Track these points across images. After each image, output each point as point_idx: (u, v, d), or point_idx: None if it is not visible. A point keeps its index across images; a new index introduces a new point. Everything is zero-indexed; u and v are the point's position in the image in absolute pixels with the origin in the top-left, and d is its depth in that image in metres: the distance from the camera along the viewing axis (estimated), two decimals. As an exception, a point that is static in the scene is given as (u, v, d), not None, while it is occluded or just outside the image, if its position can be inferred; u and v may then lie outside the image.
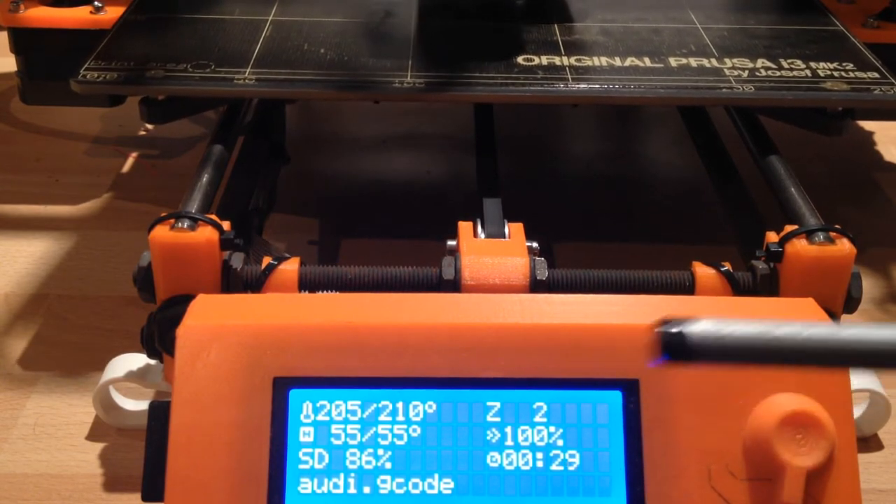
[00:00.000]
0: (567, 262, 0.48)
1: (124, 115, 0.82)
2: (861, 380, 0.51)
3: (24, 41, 0.67)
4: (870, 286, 0.65)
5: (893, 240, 0.71)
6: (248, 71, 0.54)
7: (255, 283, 0.46)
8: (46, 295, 0.63)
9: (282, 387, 0.39)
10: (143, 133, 0.84)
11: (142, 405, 0.51)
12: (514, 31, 0.61)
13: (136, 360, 0.51)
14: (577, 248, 0.67)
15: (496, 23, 0.62)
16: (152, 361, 0.50)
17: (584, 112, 0.88)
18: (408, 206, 0.73)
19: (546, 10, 0.64)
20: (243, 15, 0.62)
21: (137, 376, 0.51)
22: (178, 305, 0.45)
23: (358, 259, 0.52)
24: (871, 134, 0.85)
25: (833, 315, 0.45)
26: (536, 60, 0.56)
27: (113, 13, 0.64)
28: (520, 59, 0.56)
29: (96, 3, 0.66)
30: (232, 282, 0.46)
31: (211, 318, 0.41)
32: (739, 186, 0.59)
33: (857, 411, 0.52)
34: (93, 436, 0.52)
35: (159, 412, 0.41)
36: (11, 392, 0.54)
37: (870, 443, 0.52)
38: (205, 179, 0.50)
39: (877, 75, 0.56)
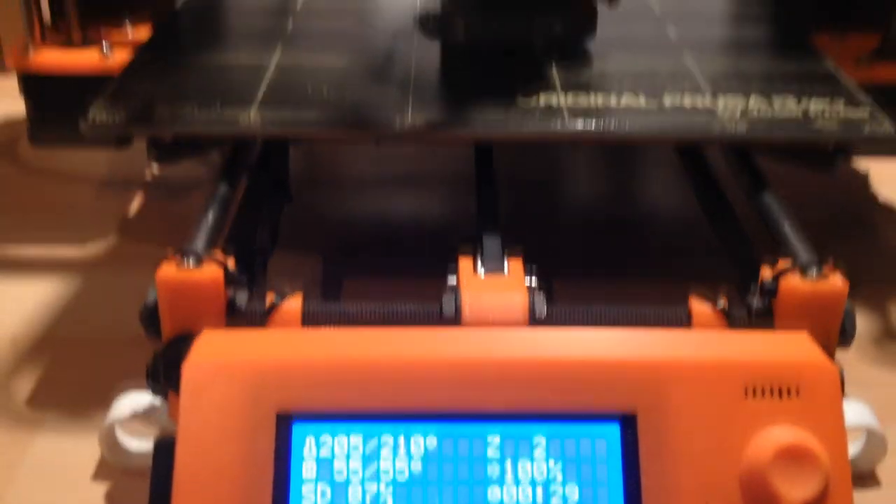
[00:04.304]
0: (566, 300, 0.49)
1: (131, 158, 0.83)
2: (858, 417, 0.52)
3: (34, 84, 0.68)
4: (866, 323, 0.66)
5: (889, 277, 0.72)
6: (253, 112, 0.56)
7: (259, 320, 0.47)
8: (53, 336, 0.64)
9: (285, 422, 0.40)
10: (149, 175, 0.85)
11: (146, 445, 0.52)
12: (512, 72, 0.62)
13: (141, 399, 0.52)
14: (576, 286, 0.67)
15: (495, 64, 0.63)
16: (157, 400, 0.51)
17: (583, 152, 0.89)
18: (409, 244, 0.74)
19: (550, 52, 0.65)
20: (249, 58, 0.64)
21: (142, 415, 0.51)
22: (183, 342, 0.46)
23: (360, 296, 0.53)
24: (864, 174, 0.86)
25: (828, 350, 0.46)
26: (534, 100, 0.58)
27: (121, 56, 0.66)
28: (518, 99, 0.58)
29: (105, 47, 0.67)
30: (236, 318, 0.47)
31: (215, 354, 0.42)
32: (735, 223, 0.60)
33: (854, 448, 0.53)
34: (98, 476, 0.52)
35: (164, 448, 0.41)
36: (18, 432, 0.55)
37: (867, 480, 0.53)
38: (210, 217, 0.51)
39: (868, 113, 0.57)
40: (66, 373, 0.60)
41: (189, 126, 0.55)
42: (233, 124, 0.55)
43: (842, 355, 0.46)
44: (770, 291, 0.47)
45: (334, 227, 0.77)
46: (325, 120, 0.55)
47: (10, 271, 0.70)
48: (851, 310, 0.47)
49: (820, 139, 0.56)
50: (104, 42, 0.68)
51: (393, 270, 0.70)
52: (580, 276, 0.69)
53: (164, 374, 0.47)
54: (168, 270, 0.46)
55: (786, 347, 0.43)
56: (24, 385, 0.59)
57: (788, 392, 0.41)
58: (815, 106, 0.58)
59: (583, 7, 0.64)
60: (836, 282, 0.46)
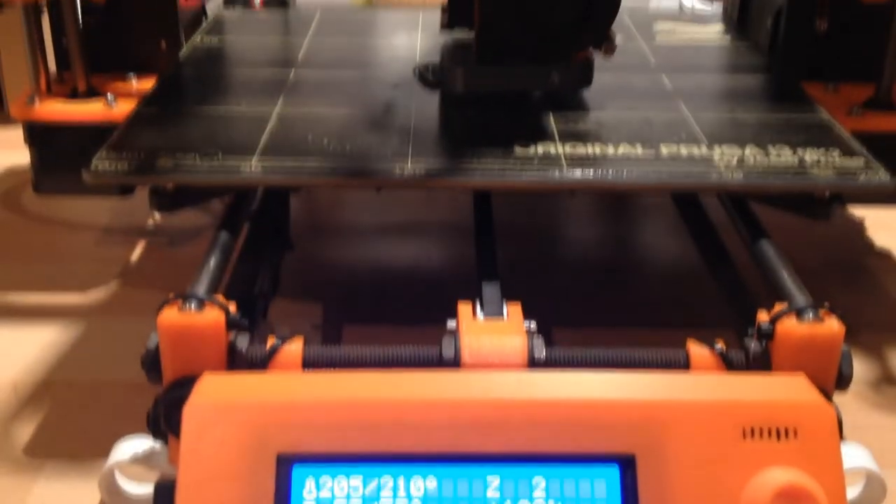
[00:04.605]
0: (564, 345, 0.49)
1: (133, 206, 0.84)
2: (857, 460, 0.52)
3: (39, 134, 0.69)
4: (865, 369, 0.66)
5: (886, 323, 0.72)
6: (254, 160, 0.56)
7: (259, 363, 0.47)
8: (53, 381, 0.64)
9: (285, 464, 0.40)
10: (151, 223, 0.86)
11: (147, 489, 0.52)
12: (510, 121, 0.63)
13: (141, 443, 0.52)
14: (575, 332, 0.68)
15: (494, 113, 0.64)
16: (157, 444, 0.51)
17: (581, 200, 0.90)
18: (409, 291, 0.74)
19: (547, 102, 0.66)
20: (250, 108, 0.65)
21: (143, 459, 0.51)
22: (184, 386, 0.46)
23: (360, 342, 0.53)
24: (861, 220, 0.87)
25: (826, 392, 0.46)
26: (532, 149, 0.58)
27: (125, 107, 0.67)
28: (516, 148, 0.58)
29: (109, 97, 0.68)
30: (237, 362, 0.47)
31: (216, 396, 0.42)
32: (731, 269, 0.60)
33: (854, 492, 0.52)
34: (98, 521, 0.52)
35: (164, 493, 0.41)
36: (18, 477, 0.55)
37: (867, 523, 0.53)
38: (212, 263, 0.52)
39: (862, 162, 0.58)
40: (66, 417, 0.60)
41: (191, 175, 0.56)
42: (234, 173, 0.55)
43: (841, 400, 0.46)
44: (767, 335, 0.47)
45: (334, 274, 0.78)
46: (325, 168, 0.56)
47: (12, 317, 0.71)
48: (848, 353, 0.47)
49: (815, 188, 0.57)
50: (109, 93, 0.69)
51: (392, 317, 0.70)
52: (579, 322, 0.69)
53: (164, 418, 0.47)
54: (170, 314, 0.46)
55: (783, 389, 0.43)
56: (25, 429, 0.59)
57: (786, 433, 0.41)
58: (811, 155, 0.58)
59: (580, 58, 0.65)
60: (832, 325, 0.47)
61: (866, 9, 0.71)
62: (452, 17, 0.65)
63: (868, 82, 0.70)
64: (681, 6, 1.26)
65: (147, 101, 0.66)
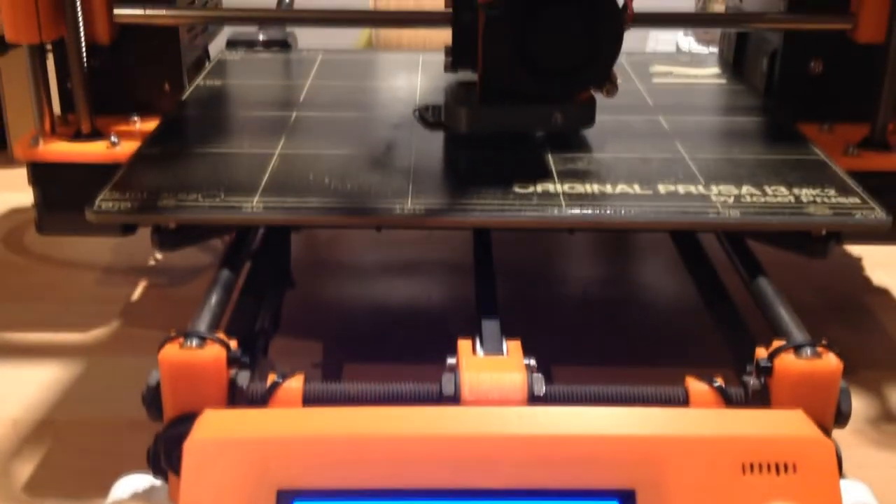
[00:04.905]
0: (564, 381, 0.49)
1: (134, 246, 0.85)
2: (857, 497, 0.51)
3: (42, 174, 0.69)
4: (864, 407, 0.66)
5: (885, 361, 0.72)
6: (255, 199, 0.57)
7: (260, 400, 0.47)
8: (53, 420, 0.64)
9: (285, 499, 0.40)
10: (152, 262, 0.86)
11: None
12: (510, 160, 0.64)
13: (141, 481, 0.52)
14: (574, 369, 0.68)
15: (494, 152, 0.65)
16: (157, 482, 0.51)
17: (580, 239, 0.90)
18: (409, 329, 0.75)
19: (547, 140, 0.67)
20: (252, 148, 0.66)
21: (143, 496, 0.51)
22: (184, 423, 0.46)
23: (360, 380, 0.54)
24: (858, 259, 0.87)
25: (824, 428, 0.46)
26: (531, 187, 0.59)
27: (128, 147, 0.67)
28: (516, 187, 0.59)
29: (113, 138, 0.69)
30: (238, 398, 0.47)
31: (217, 432, 0.42)
32: (730, 306, 0.61)
33: (855, 527, 0.52)
34: (98, 561, 0.52)
35: (164, 529, 0.41)
36: (17, 514, 0.55)
37: (868, 559, 0.52)
38: (213, 300, 0.52)
39: (858, 200, 0.58)
40: (66, 456, 0.60)
41: (193, 214, 0.56)
42: (236, 212, 0.56)
43: (841, 437, 0.46)
44: (765, 371, 0.47)
45: (335, 312, 0.78)
46: (326, 207, 0.57)
47: (13, 355, 0.71)
48: (847, 389, 0.48)
49: (812, 226, 0.57)
50: (112, 134, 0.70)
51: (392, 355, 0.70)
52: (578, 360, 0.70)
53: (165, 454, 0.47)
54: (171, 351, 0.47)
55: (782, 424, 0.43)
56: (26, 467, 0.59)
57: (785, 468, 0.41)
58: (807, 193, 0.59)
59: (582, 98, 0.66)
60: (830, 361, 0.47)
61: (860, 49, 0.72)
62: (456, 59, 0.66)
63: (863, 122, 0.71)
64: (677, 48, 1.28)
65: (150, 141, 0.67)
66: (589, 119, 0.67)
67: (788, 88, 0.76)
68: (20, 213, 0.96)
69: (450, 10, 0.64)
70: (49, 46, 0.71)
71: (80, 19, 0.68)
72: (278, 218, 0.57)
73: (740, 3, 0.89)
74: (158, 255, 0.87)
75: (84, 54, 0.69)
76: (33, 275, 0.84)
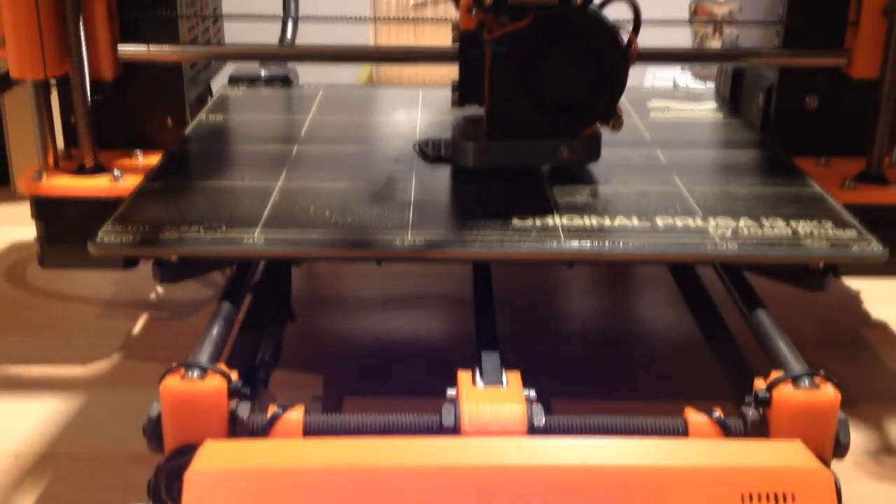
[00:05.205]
0: (564, 413, 0.50)
1: (135, 279, 0.85)
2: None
3: (46, 208, 0.70)
4: (864, 439, 0.66)
5: (884, 394, 0.72)
6: (257, 232, 0.57)
7: (260, 431, 0.47)
8: (55, 453, 0.64)
9: (286, 530, 0.40)
10: (153, 296, 0.86)
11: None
12: (509, 194, 0.64)
13: (141, 513, 0.52)
14: (574, 402, 0.68)
15: (493, 186, 0.66)
16: (157, 513, 0.51)
17: (579, 273, 0.91)
18: (409, 363, 0.75)
19: (550, 175, 0.68)
20: (253, 182, 0.66)
21: (142, 528, 0.51)
22: (185, 454, 0.46)
23: (360, 412, 0.54)
24: (857, 293, 0.88)
25: (823, 459, 0.47)
26: (531, 221, 0.60)
27: (131, 182, 0.68)
28: (515, 220, 0.60)
29: (115, 172, 0.70)
30: (238, 430, 0.47)
31: (218, 463, 0.42)
32: (728, 339, 0.61)
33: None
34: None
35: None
36: (16, 547, 0.55)
37: None
38: (214, 332, 0.53)
39: (855, 233, 0.59)
40: (67, 489, 0.60)
41: (195, 247, 0.57)
42: (237, 245, 0.56)
43: (840, 469, 0.46)
44: (764, 402, 0.48)
45: (335, 345, 0.78)
46: (327, 240, 0.57)
47: (14, 388, 0.71)
48: (845, 420, 0.48)
49: (809, 259, 0.58)
50: (115, 168, 0.70)
51: (392, 388, 0.71)
52: (578, 392, 0.70)
53: (165, 486, 0.47)
54: (173, 382, 0.47)
55: (781, 455, 0.43)
56: (27, 500, 0.59)
57: (784, 498, 0.41)
58: (804, 226, 0.60)
59: (588, 133, 0.66)
60: (828, 392, 0.47)
61: (855, 85, 0.73)
62: (463, 94, 0.66)
63: (859, 156, 0.72)
64: (675, 85, 1.29)
65: (152, 175, 0.68)
66: (594, 154, 0.68)
67: (785, 123, 0.77)
68: (22, 247, 0.97)
69: (457, 46, 0.65)
70: (53, 82, 0.72)
71: (85, 56, 0.69)
72: (279, 250, 0.57)
73: (736, 39, 0.90)
74: (160, 289, 0.87)
75: (88, 90, 0.70)
76: (34, 308, 0.84)
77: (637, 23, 0.65)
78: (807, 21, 0.74)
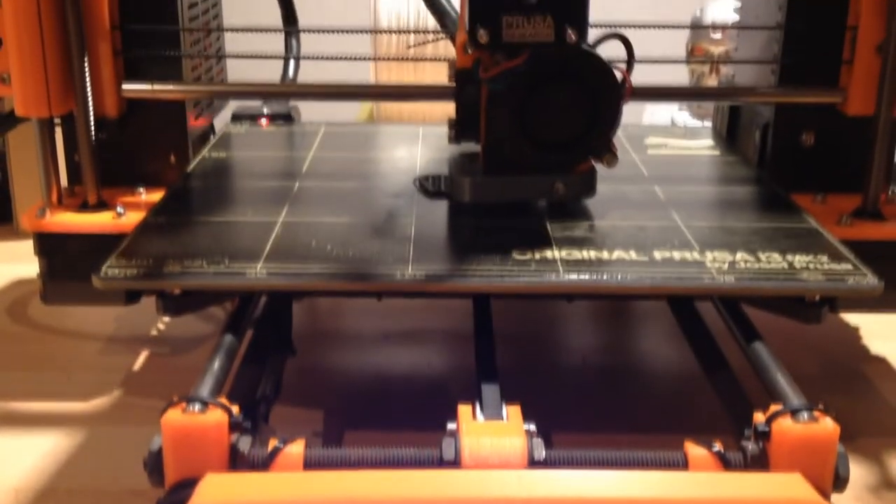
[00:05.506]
0: (564, 447, 0.50)
1: (136, 315, 0.86)
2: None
3: (49, 245, 0.70)
4: (863, 474, 0.66)
5: (884, 429, 0.72)
6: (259, 265, 0.58)
7: (261, 465, 0.47)
8: (55, 489, 0.64)
9: (286, 563, 0.40)
10: (154, 332, 0.87)
11: None
12: (509, 229, 0.65)
13: (141, 548, 0.52)
14: (574, 436, 0.68)
15: (493, 220, 0.66)
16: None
17: (579, 308, 0.91)
18: (409, 397, 0.75)
19: (549, 210, 0.68)
20: (256, 217, 0.67)
21: (142, 563, 0.51)
22: (185, 488, 0.46)
23: (361, 446, 0.54)
24: (856, 329, 0.88)
25: (823, 492, 0.47)
26: (530, 254, 0.60)
27: (134, 218, 0.68)
28: (514, 254, 0.60)
29: (118, 208, 0.70)
30: (239, 463, 0.47)
31: (219, 496, 0.43)
32: (727, 373, 0.61)
33: None
34: None
35: None
36: (16, 584, 0.55)
37: None
38: (216, 366, 0.53)
39: (850, 266, 0.59)
40: (66, 524, 0.60)
41: (198, 280, 0.57)
42: (240, 277, 0.57)
43: (837, 500, 0.46)
44: (763, 435, 0.48)
45: (336, 380, 0.79)
46: (328, 273, 0.58)
47: (15, 424, 0.71)
48: (844, 453, 0.48)
49: (806, 291, 0.58)
50: (118, 204, 0.71)
51: (393, 422, 0.71)
52: (578, 426, 0.70)
53: (166, 521, 0.47)
54: (174, 415, 0.47)
55: (780, 488, 0.43)
56: (25, 536, 0.59)
57: (784, 530, 0.41)
58: (800, 259, 0.60)
59: (583, 168, 0.67)
60: (827, 425, 0.47)
61: (851, 122, 0.74)
62: (460, 131, 0.67)
63: (855, 192, 0.72)
64: (672, 123, 1.30)
65: (156, 211, 0.68)
66: (589, 189, 0.68)
67: (781, 160, 0.78)
68: (24, 284, 0.97)
69: (453, 83, 0.66)
70: (57, 119, 0.73)
71: (90, 94, 0.70)
72: (281, 283, 0.58)
73: (732, 77, 0.91)
74: (161, 325, 0.87)
75: (92, 128, 0.71)
76: (36, 344, 0.85)
77: (630, 60, 0.66)
78: (802, 59, 0.75)
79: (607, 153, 0.66)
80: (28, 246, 0.70)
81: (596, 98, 0.65)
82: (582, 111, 0.65)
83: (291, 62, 0.92)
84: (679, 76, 1.32)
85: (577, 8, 0.63)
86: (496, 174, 0.67)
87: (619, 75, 0.65)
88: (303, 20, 0.90)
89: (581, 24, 0.64)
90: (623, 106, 0.66)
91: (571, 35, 0.63)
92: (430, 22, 0.80)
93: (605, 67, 0.64)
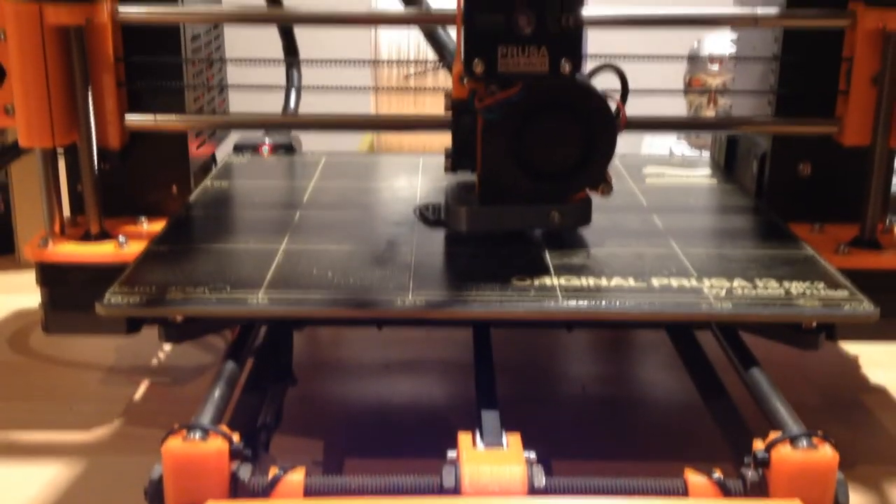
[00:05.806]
0: (564, 475, 0.50)
1: (137, 346, 0.86)
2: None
3: (51, 275, 0.71)
4: (863, 502, 0.66)
5: (883, 457, 0.72)
6: (261, 293, 0.58)
7: (262, 493, 0.48)
8: (54, 518, 0.64)
9: (287, 590, 0.40)
10: (155, 362, 0.87)
11: None
12: (508, 257, 0.65)
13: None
14: (574, 464, 0.68)
15: (492, 249, 0.67)
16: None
17: (578, 337, 0.91)
18: (409, 425, 0.75)
19: (548, 238, 0.69)
20: (257, 245, 0.67)
21: None
22: (186, 517, 0.46)
23: (361, 474, 0.54)
24: (855, 358, 0.88)
25: (823, 521, 0.47)
26: (529, 282, 0.61)
27: (136, 248, 0.69)
28: (514, 281, 0.61)
29: (120, 238, 0.71)
30: (240, 491, 0.48)
31: (220, 523, 0.43)
32: (726, 400, 0.61)
33: None
34: None
35: None
36: None
37: None
38: (217, 394, 0.53)
39: (847, 293, 0.60)
40: (66, 554, 0.60)
41: (200, 307, 0.58)
42: (241, 305, 0.57)
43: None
44: (763, 462, 0.48)
45: (336, 409, 0.79)
46: (329, 300, 0.58)
47: (15, 455, 0.71)
48: (843, 480, 0.48)
49: (802, 318, 0.59)
50: (120, 234, 0.71)
51: (393, 451, 0.71)
52: (577, 454, 0.70)
53: (166, 550, 0.47)
54: (174, 443, 0.47)
55: (779, 514, 0.44)
56: (25, 566, 0.59)
57: (784, 557, 0.41)
58: (797, 287, 0.61)
59: (578, 197, 0.68)
60: (826, 452, 0.48)
61: (847, 152, 0.74)
62: (456, 161, 0.68)
63: (853, 222, 0.73)
64: (670, 152, 1.31)
65: (158, 239, 0.69)
66: (585, 218, 0.69)
67: (778, 190, 0.78)
68: (26, 315, 0.97)
69: (449, 114, 0.67)
70: (60, 150, 0.73)
71: (93, 125, 0.71)
72: (282, 310, 0.58)
73: (730, 108, 0.92)
74: (161, 355, 0.88)
75: (95, 159, 0.71)
76: (37, 375, 0.85)
77: (625, 91, 0.67)
78: (798, 90, 0.76)
79: (602, 183, 0.67)
80: (30, 277, 0.71)
81: (590, 128, 0.65)
82: (576, 141, 0.66)
83: (293, 93, 0.93)
84: (677, 108, 1.34)
85: (572, 39, 0.64)
86: (492, 203, 0.67)
87: (613, 106, 0.66)
88: (304, 52, 0.92)
89: (575, 55, 0.64)
90: (617, 136, 0.66)
91: (566, 66, 0.64)
92: (430, 54, 0.81)
93: (598, 98, 0.65)
